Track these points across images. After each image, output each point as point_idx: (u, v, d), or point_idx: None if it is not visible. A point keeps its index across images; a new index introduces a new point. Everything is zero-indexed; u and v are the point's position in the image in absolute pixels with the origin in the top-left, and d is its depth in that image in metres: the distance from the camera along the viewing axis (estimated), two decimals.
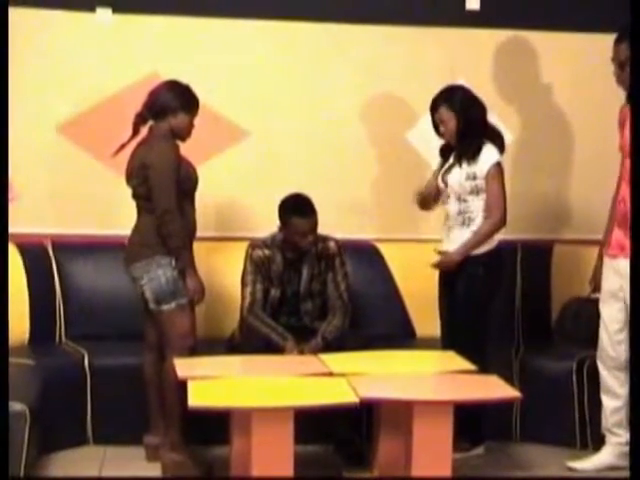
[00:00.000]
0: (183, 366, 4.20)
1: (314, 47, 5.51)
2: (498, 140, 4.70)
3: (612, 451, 4.63)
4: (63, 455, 4.65)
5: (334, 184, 5.50)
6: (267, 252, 4.83)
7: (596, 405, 4.71)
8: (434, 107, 4.69)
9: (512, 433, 5.03)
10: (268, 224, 4.91)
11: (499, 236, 4.71)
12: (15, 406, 3.96)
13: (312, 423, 4.11)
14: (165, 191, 4.37)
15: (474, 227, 4.65)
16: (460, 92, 4.72)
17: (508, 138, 5.07)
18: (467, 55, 5.56)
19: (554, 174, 5.71)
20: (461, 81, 5.11)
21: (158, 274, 4.42)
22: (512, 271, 5.42)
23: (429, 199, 4.82)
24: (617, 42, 4.42)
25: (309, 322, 4.87)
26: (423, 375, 4.36)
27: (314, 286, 4.86)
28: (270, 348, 4.64)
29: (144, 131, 4.57)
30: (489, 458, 4.74)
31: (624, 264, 4.37)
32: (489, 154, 4.64)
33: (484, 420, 4.70)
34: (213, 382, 4.03)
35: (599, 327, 4.62)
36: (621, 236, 4.46)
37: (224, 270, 5.21)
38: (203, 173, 4.70)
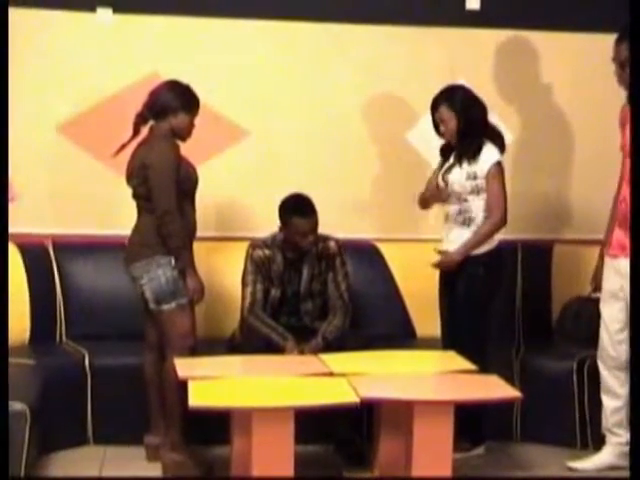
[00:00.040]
0: (183, 366, 4.20)
1: (314, 47, 5.51)
2: (498, 140, 4.70)
3: (612, 451, 4.63)
4: (63, 455, 4.65)
5: (334, 184, 5.50)
6: (267, 252, 4.83)
7: (596, 405, 4.71)
8: (434, 107, 4.69)
9: (512, 433, 5.03)
10: (268, 224, 4.91)
11: (499, 236, 4.71)
12: (15, 406, 3.96)
13: (312, 423, 4.11)
14: (165, 191, 4.37)
15: (474, 227, 4.65)
16: (460, 92, 4.72)
17: (508, 138, 5.07)
18: (467, 55, 5.56)
19: (554, 174, 5.71)
20: (461, 81, 5.11)
21: (158, 274, 4.42)
22: (512, 271, 5.42)
23: (429, 199, 4.82)
24: (618, 42, 4.42)
25: (309, 322, 4.87)
26: (423, 375, 4.36)
27: (314, 286, 4.86)
28: (270, 348, 4.64)
29: (144, 131, 4.57)
30: (489, 458, 4.74)
31: (625, 264, 4.37)
32: (489, 154, 4.64)
33: (484, 420, 4.70)
34: (213, 382, 4.03)
35: (599, 327, 4.62)
36: (622, 236, 4.46)
37: (224, 270, 5.21)
38: (203, 173, 4.70)
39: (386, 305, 5.41)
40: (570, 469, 4.64)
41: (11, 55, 4.23)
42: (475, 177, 4.64)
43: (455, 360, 4.40)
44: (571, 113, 5.67)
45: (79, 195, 5.38)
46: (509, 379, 4.35)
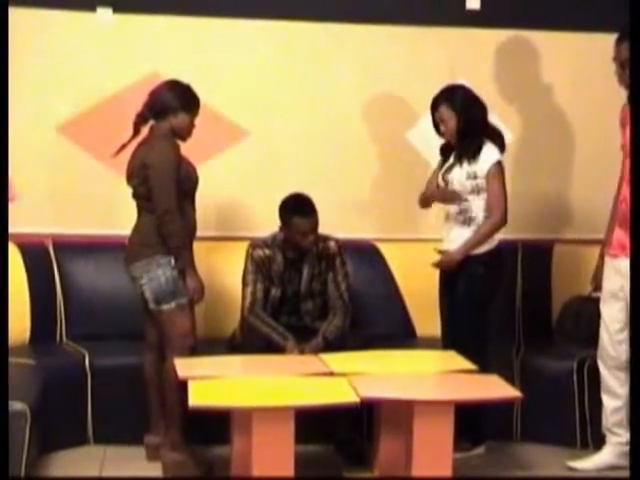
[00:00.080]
0: (184, 366, 4.20)
1: (314, 47, 5.51)
2: (498, 140, 4.70)
3: (612, 451, 4.63)
4: (63, 455, 4.65)
5: (334, 184, 5.49)
6: (268, 252, 4.83)
7: (596, 405, 4.71)
8: (435, 106, 4.69)
9: (513, 433, 5.03)
10: (268, 224, 4.92)
11: (499, 235, 4.71)
12: (16, 406, 3.96)
13: (313, 423, 4.11)
14: (165, 191, 4.37)
15: (475, 226, 4.65)
16: (461, 91, 4.72)
17: (508, 138, 5.07)
18: (467, 55, 5.56)
19: (555, 174, 5.71)
20: (461, 81, 5.11)
21: (158, 274, 4.42)
22: (513, 271, 5.42)
23: (430, 198, 4.82)
24: (618, 42, 4.42)
25: (310, 322, 4.87)
26: (424, 375, 4.36)
27: (315, 286, 4.86)
28: (271, 348, 4.64)
29: (145, 131, 4.56)
30: (490, 458, 4.73)
31: (625, 264, 4.37)
32: (490, 153, 4.64)
33: (485, 420, 4.70)
34: (214, 382, 4.03)
35: (599, 327, 4.62)
36: (622, 236, 4.46)
37: (224, 270, 5.21)
38: (203, 173, 4.70)
39: (386, 305, 5.41)
40: (570, 469, 4.65)
41: (11, 55, 4.23)
42: (475, 177, 4.63)
43: (455, 360, 4.40)
44: (571, 113, 5.67)
45: (79, 195, 5.38)
46: (509, 379, 4.35)
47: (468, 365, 4.30)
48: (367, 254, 5.47)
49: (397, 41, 5.53)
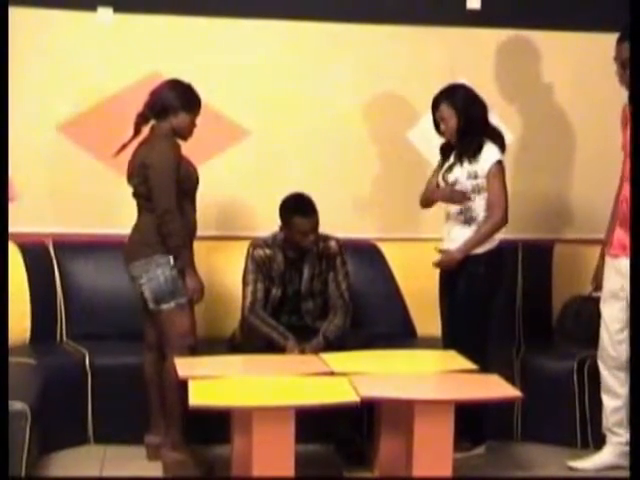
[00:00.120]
0: (184, 366, 4.20)
1: (314, 47, 5.50)
2: (498, 140, 4.69)
3: (613, 451, 4.63)
4: (64, 454, 4.65)
5: (335, 184, 5.49)
6: (268, 251, 4.83)
7: (597, 405, 4.71)
8: (435, 105, 4.69)
9: (513, 432, 5.03)
10: (269, 223, 4.92)
11: (500, 235, 4.71)
12: (16, 405, 3.96)
13: (313, 422, 4.10)
14: (165, 191, 4.36)
15: (475, 226, 4.65)
16: (462, 90, 4.72)
17: (509, 138, 5.07)
18: (468, 54, 5.55)
19: (555, 173, 5.71)
20: (462, 80, 5.09)
21: (157, 273, 4.42)
22: (513, 270, 5.42)
23: (431, 198, 4.82)
24: (619, 41, 4.42)
25: (310, 321, 4.87)
26: (424, 374, 4.36)
27: (315, 285, 4.86)
28: (271, 347, 4.64)
29: (146, 130, 4.56)
30: (490, 458, 4.73)
31: (625, 264, 4.37)
32: (490, 153, 4.63)
33: (485, 419, 4.70)
34: (214, 381, 4.03)
35: (599, 326, 4.62)
36: (623, 236, 4.46)
37: (225, 269, 5.21)
38: (204, 172, 4.70)
39: (386, 304, 5.41)
40: (570, 469, 4.65)
41: (11, 55, 4.24)
42: (476, 176, 4.63)
43: (456, 359, 4.40)
44: (572, 113, 5.67)
45: (79, 194, 5.38)
46: (509, 378, 4.35)
47: (468, 365, 4.30)
48: (367, 254, 5.47)
49: (398, 41, 5.52)
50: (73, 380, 4.74)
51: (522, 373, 4.98)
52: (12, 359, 4.20)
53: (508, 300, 5.40)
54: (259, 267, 4.81)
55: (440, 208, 4.85)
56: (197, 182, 4.55)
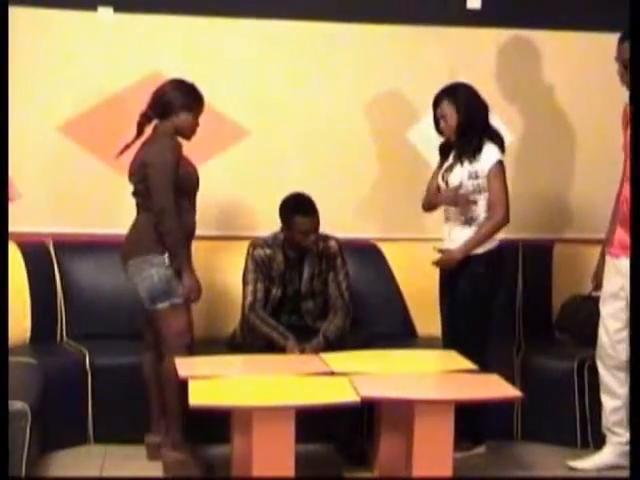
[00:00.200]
0: (184, 365, 4.20)
1: (314, 47, 5.50)
2: (498, 140, 4.69)
3: (613, 450, 4.63)
4: (64, 454, 4.65)
5: (335, 183, 5.49)
6: (268, 251, 4.83)
7: (597, 404, 4.71)
8: (437, 102, 4.69)
9: (513, 432, 5.03)
10: (269, 223, 4.92)
11: (500, 235, 4.71)
12: (16, 405, 3.95)
13: (313, 422, 4.11)
14: (162, 189, 4.36)
15: (476, 226, 4.65)
16: (464, 89, 4.71)
17: (509, 139, 5.08)
18: (468, 54, 5.55)
19: (555, 173, 5.71)
20: (462, 80, 5.10)
21: (151, 273, 4.41)
22: (513, 270, 5.41)
23: (433, 201, 4.81)
24: (621, 41, 4.41)
25: (310, 321, 4.87)
26: (424, 374, 4.36)
27: (315, 285, 4.86)
28: (271, 347, 4.64)
29: (149, 131, 4.56)
30: (490, 457, 4.73)
31: (626, 264, 4.36)
32: (490, 153, 4.63)
33: (485, 419, 4.70)
34: (214, 381, 4.03)
35: (598, 326, 4.62)
36: (624, 236, 4.46)
37: (225, 269, 5.21)
38: (205, 172, 4.70)
39: (387, 304, 5.41)
40: (571, 468, 4.65)
41: (11, 54, 4.23)
42: (476, 176, 4.63)
43: (456, 359, 4.40)
44: (572, 113, 5.66)
45: (79, 194, 5.38)
46: (510, 378, 4.34)
47: (468, 365, 4.30)
48: (368, 254, 5.47)
49: (398, 41, 5.52)
50: (73, 380, 4.74)
51: (522, 373, 4.98)
52: (12, 359, 4.20)
53: (508, 300, 5.40)
54: (259, 267, 4.81)
55: (440, 208, 4.84)
56: (197, 182, 4.54)
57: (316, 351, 4.59)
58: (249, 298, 4.79)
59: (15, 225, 4.69)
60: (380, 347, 4.74)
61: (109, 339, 4.98)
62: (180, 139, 4.52)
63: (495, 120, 4.87)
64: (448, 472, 3.94)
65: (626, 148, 4.50)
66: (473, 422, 4.59)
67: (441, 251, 4.71)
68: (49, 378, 4.53)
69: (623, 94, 4.48)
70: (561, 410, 4.94)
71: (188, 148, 4.56)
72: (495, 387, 4.11)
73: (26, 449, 4.00)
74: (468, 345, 4.50)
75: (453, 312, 4.72)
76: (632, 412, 3.86)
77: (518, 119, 5.63)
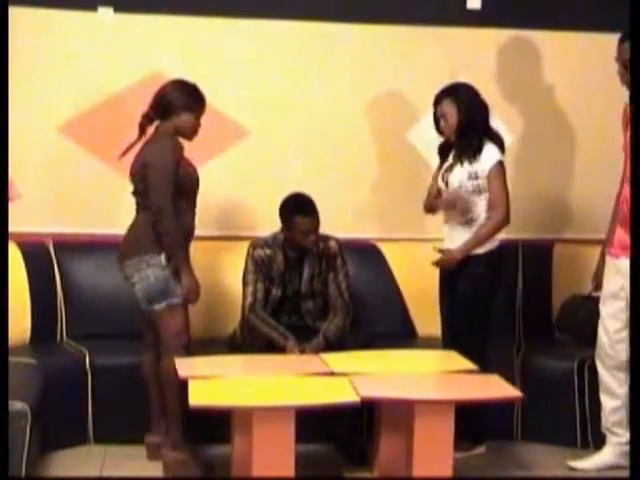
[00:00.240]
0: (184, 365, 4.20)
1: (314, 47, 5.50)
2: (498, 141, 4.69)
3: (613, 450, 4.63)
4: (64, 454, 4.65)
5: (335, 184, 5.49)
6: (268, 251, 4.83)
7: (597, 404, 4.70)
8: (437, 100, 4.68)
9: (513, 432, 5.03)
10: (269, 223, 4.92)
11: (501, 235, 4.71)
12: (16, 405, 3.95)
13: (313, 422, 4.10)
14: (161, 189, 4.36)
15: (476, 227, 4.65)
16: (465, 89, 4.71)
17: (508, 139, 5.08)
18: (468, 54, 5.55)
19: (555, 174, 5.71)
20: (463, 80, 5.10)
21: (148, 273, 4.41)
22: (513, 270, 5.42)
23: (434, 203, 4.81)
24: (621, 42, 4.41)
25: (310, 321, 4.87)
26: (424, 374, 4.36)
27: (315, 285, 4.86)
28: (271, 347, 4.64)
29: (151, 131, 4.56)
30: (490, 457, 4.73)
31: (626, 264, 4.36)
32: (490, 153, 4.63)
33: (485, 419, 4.70)
34: (214, 381, 4.03)
35: (598, 325, 4.62)
36: (624, 236, 4.45)
37: (225, 269, 5.22)
38: (204, 172, 4.70)
39: (387, 304, 5.41)
40: (570, 469, 4.65)
41: (11, 54, 4.22)
42: (476, 177, 4.63)
43: (456, 360, 4.40)
44: (572, 113, 5.66)
45: (79, 194, 5.38)
46: (510, 378, 4.34)
47: (468, 365, 4.30)
48: (367, 254, 5.47)
49: (398, 41, 5.52)
50: (73, 380, 4.74)
51: (522, 373, 4.98)
52: (12, 359, 4.20)
53: (508, 300, 5.40)
54: (259, 267, 4.81)
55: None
56: (197, 183, 4.54)
57: (316, 351, 4.59)
58: (249, 299, 4.79)
59: (15, 225, 4.69)
60: (380, 347, 4.74)
61: (109, 339, 4.98)
62: (181, 139, 4.52)
63: (495, 120, 4.87)
64: (448, 472, 3.94)
65: (626, 148, 4.50)
66: (473, 422, 4.60)
67: (441, 251, 4.71)
68: (49, 378, 4.53)
69: (623, 94, 4.48)
70: (561, 410, 4.94)
71: (188, 148, 4.56)
72: (495, 387, 4.11)
73: (26, 449, 4.00)
74: (468, 345, 4.50)
75: (453, 312, 4.72)
76: (632, 412, 3.86)
77: (518, 119, 5.63)
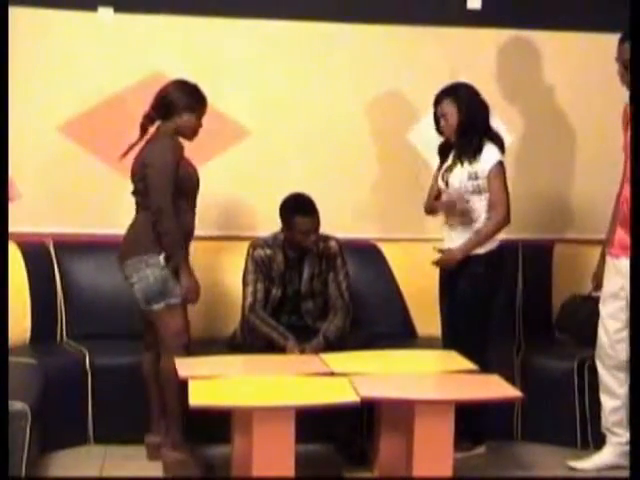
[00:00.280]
0: (184, 365, 4.20)
1: (314, 47, 5.50)
2: (498, 141, 4.69)
3: (613, 451, 4.63)
4: (64, 454, 4.65)
5: (335, 184, 5.49)
6: (268, 251, 4.83)
7: (597, 404, 4.70)
8: (438, 100, 4.68)
9: (513, 432, 5.03)
10: (269, 223, 4.92)
11: (501, 235, 4.71)
12: (16, 405, 3.95)
13: (313, 422, 4.11)
14: (161, 189, 4.36)
15: (476, 227, 4.64)
16: (465, 88, 4.71)
17: (508, 140, 5.08)
18: (468, 55, 5.55)
19: (556, 174, 5.71)
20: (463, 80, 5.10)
21: (147, 273, 4.41)
22: (513, 270, 5.42)
23: (434, 205, 4.81)
24: (621, 42, 4.41)
25: (310, 321, 4.87)
26: (424, 374, 4.36)
27: (315, 285, 4.86)
28: (271, 347, 4.64)
29: (152, 131, 4.56)
30: (490, 457, 4.73)
31: (626, 264, 4.36)
32: (490, 153, 4.63)
33: (485, 419, 4.70)
34: (214, 381, 4.03)
35: (598, 325, 4.62)
36: (624, 236, 4.45)
37: (226, 269, 5.22)
38: (205, 172, 4.70)
39: (387, 305, 5.41)
40: (570, 469, 4.65)
41: (11, 54, 4.22)
42: (476, 177, 4.63)
43: (456, 360, 4.40)
44: (572, 113, 5.66)
45: (79, 194, 5.38)
46: (510, 378, 4.34)
47: (468, 365, 4.30)
48: (367, 254, 5.47)
49: (398, 41, 5.52)
50: (73, 380, 4.74)
51: (522, 373, 4.98)
52: (12, 359, 4.20)
53: (508, 300, 5.40)
54: (259, 267, 4.81)
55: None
56: (197, 184, 4.54)
57: (316, 351, 4.59)
58: (249, 299, 4.79)
59: (15, 225, 4.69)
60: (380, 347, 4.74)
61: (109, 339, 4.98)
62: (182, 140, 4.52)
63: (495, 121, 4.87)
64: (448, 472, 3.94)
65: (626, 149, 4.50)
66: (473, 422, 4.59)
67: (441, 251, 4.71)
68: (49, 378, 4.53)
69: (623, 94, 4.48)
70: (561, 410, 4.94)
71: (188, 148, 4.56)
72: (495, 387, 4.11)
73: (26, 449, 4.00)
74: (468, 345, 4.50)
75: (453, 312, 4.72)
76: (632, 412, 3.86)
77: (518, 119, 5.63)
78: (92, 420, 4.80)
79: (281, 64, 5.49)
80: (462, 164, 4.65)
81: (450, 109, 4.64)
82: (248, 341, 4.79)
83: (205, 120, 4.60)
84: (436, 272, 4.77)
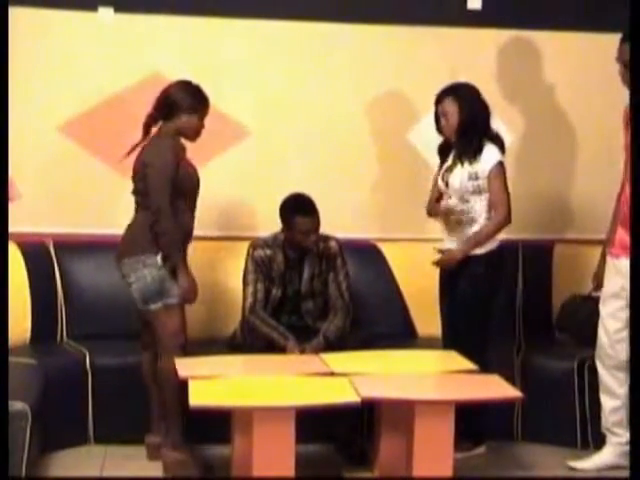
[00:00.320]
0: (184, 365, 4.20)
1: (314, 47, 5.50)
2: (498, 141, 4.69)
3: (613, 451, 4.63)
4: (64, 454, 4.65)
5: (335, 184, 5.49)
6: (268, 252, 4.83)
7: (597, 404, 4.70)
8: (439, 99, 4.67)
9: (513, 432, 5.03)
10: (269, 223, 4.92)
11: (501, 235, 4.71)
12: (16, 405, 3.95)
13: (313, 422, 4.11)
14: (160, 189, 4.36)
15: (476, 227, 4.65)
16: (467, 88, 4.71)
17: (508, 139, 5.08)
18: (469, 55, 5.54)
19: (556, 174, 5.71)
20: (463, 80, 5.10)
21: (144, 273, 4.41)
22: (513, 271, 5.42)
23: (435, 208, 4.80)
24: (622, 42, 4.41)
25: (310, 321, 4.87)
26: (424, 375, 4.36)
27: (315, 285, 4.86)
28: (271, 347, 4.64)
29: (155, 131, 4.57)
30: (490, 458, 4.74)
31: (626, 264, 4.36)
32: (490, 154, 4.63)
33: (485, 419, 4.70)
34: (214, 381, 4.03)
35: (598, 325, 4.62)
36: (624, 236, 4.45)
37: (226, 269, 5.22)
38: (205, 173, 4.70)
39: (387, 305, 5.41)
40: (571, 468, 4.65)
41: (11, 55, 4.22)
42: (477, 177, 4.63)
43: (456, 360, 4.40)
44: (573, 113, 5.66)
45: (80, 194, 5.38)
46: (510, 378, 4.34)
47: (468, 365, 4.30)
48: (367, 254, 5.47)
49: (398, 41, 5.52)
50: (73, 380, 4.74)
51: (522, 373, 4.98)
52: (12, 359, 4.20)
53: (508, 300, 5.40)
54: (259, 267, 4.81)
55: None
56: (197, 184, 4.53)
57: (316, 351, 4.59)
58: (249, 299, 4.79)
59: (15, 225, 4.69)
60: (380, 347, 4.74)
61: (109, 339, 4.98)
62: (183, 140, 4.52)
63: (495, 121, 4.86)
64: (448, 472, 3.94)
65: (627, 148, 4.50)
66: (473, 422, 4.59)
67: (441, 251, 4.71)
68: (49, 378, 4.53)
69: (623, 94, 4.48)
70: (561, 410, 4.94)
71: (189, 149, 4.56)
72: (495, 387, 4.11)
73: (26, 449, 4.00)
74: (468, 345, 4.50)
75: (453, 312, 4.72)
76: (632, 412, 3.86)
77: (518, 119, 5.63)
78: (92, 420, 4.80)
79: (281, 64, 5.49)
80: (462, 164, 4.65)
81: (451, 108, 4.64)
82: (248, 341, 4.79)
83: (205, 120, 4.60)
84: (436, 272, 4.77)
